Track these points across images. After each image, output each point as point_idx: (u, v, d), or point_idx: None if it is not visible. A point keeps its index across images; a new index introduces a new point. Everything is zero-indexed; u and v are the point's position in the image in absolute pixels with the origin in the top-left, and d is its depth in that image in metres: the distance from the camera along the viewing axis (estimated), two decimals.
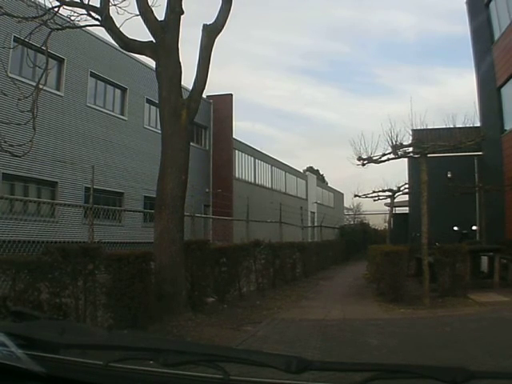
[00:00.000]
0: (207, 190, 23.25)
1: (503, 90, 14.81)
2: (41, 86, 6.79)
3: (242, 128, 60.56)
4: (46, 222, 13.12)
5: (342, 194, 50.16)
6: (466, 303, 8.30)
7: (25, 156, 6.54)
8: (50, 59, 7.25)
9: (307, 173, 46.21)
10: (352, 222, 38.27)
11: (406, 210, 21.46)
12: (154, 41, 7.18)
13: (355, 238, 26.05)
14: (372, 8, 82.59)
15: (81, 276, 5.42)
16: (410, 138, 9.46)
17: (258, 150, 31.38)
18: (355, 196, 18.76)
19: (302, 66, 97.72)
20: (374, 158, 9.89)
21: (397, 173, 22.95)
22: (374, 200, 17.82)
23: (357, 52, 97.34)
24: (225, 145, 25.85)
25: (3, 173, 13.03)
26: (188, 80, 7.90)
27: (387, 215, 18.73)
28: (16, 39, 10.20)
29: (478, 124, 12.67)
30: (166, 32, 7.12)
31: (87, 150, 16.33)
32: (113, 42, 7.76)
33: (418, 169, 9.42)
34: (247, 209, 13.46)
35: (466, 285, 8.97)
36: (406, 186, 16.92)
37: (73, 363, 1.20)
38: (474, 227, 15.85)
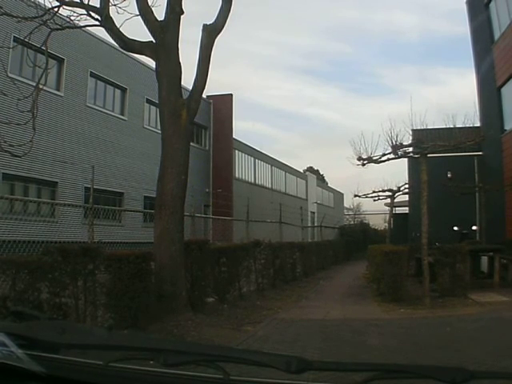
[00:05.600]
0: (207, 190, 23.26)
1: (503, 89, 14.81)
2: (41, 86, 6.79)
3: (243, 128, 60.58)
4: (46, 222, 13.12)
5: (342, 194, 50.15)
6: (466, 303, 8.31)
7: (25, 156, 6.53)
8: (49, 59, 7.24)
9: (307, 173, 46.21)
10: (352, 222, 38.21)
11: (406, 210, 21.45)
12: (153, 41, 7.18)
13: (355, 237, 26.04)
14: (374, 8, 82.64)
15: (81, 276, 5.43)
16: (410, 138, 9.46)
17: (258, 150, 31.40)
18: (355, 196, 18.76)
19: (304, 66, 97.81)
20: (374, 158, 9.89)
21: (397, 173, 22.94)
22: (374, 200, 17.82)
23: (359, 52, 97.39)
24: (225, 145, 25.85)
25: (3, 173, 13.02)
26: (188, 80, 7.90)
27: (387, 215, 18.70)
28: (16, 39, 10.20)
29: (478, 124, 12.66)
30: (165, 32, 7.11)
31: (87, 150, 16.32)
32: (113, 42, 7.76)
33: (418, 169, 9.43)
34: (247, 209, 13.46)
35: (465, 285, 8.97)
36: (406, 186, 16.91)
37: (73, 363, 1.20)
38: (474, 227, 15.85)
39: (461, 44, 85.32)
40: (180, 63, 7.23)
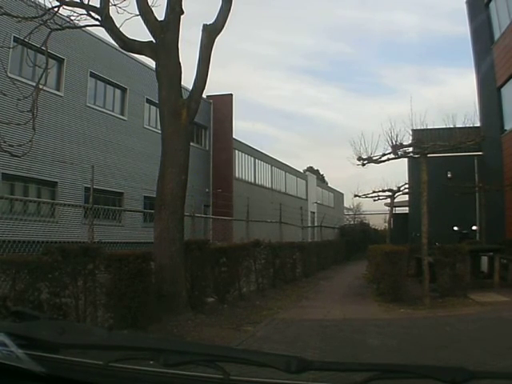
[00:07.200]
0: (207, 190, 23.24)
1: (503, 90, 14.81)
2: (41, 86, 6.79)
3: (243, 128, 60.61)
4: (46, 222, 13.11)
5: (342, 194, 50.14)
6: (465, 303, 8.31)
7: (25, 156, 6.54)
8: (49, 59, 7.25)
9: (307, 173, 46.20)
10: (352, 222, 38.19)
11: (406, 210, 21.44)
12: (153, 41, 7.18)
13: (355, 237, 26.03)
14: (375, 8, 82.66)
15: (81, 276, 5.43)
16: (410, 138, 9.47)
17: (258, 150, 31.41)
18: (355, 196, 18.75)
19: (305, 66, 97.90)
20: (374, 158, 9.89)
21: (397, 173, 22.94)
22: (374, 200, 17.82)
23: (359, 52, 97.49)
24: (225, 145, 25.84)
25: (3, 173, 13.01)
26: (188, 80, 7.91)
27: (387, 215, 18.70)
28: (16, 39, 10.20)
29: (478, 124, 12.66)
30: (165, 32, 7.12)
31: (87, 150, 16.32)
32: (113, 42, 7.76)
33: (418, 169, 9.43)
34: (247, 209, 13.46)
35: (465, 285, 8.98)
36: (406, 186, 16.91)
37: (73, 363, 1.20)
38: (474, 227, 15.85)
39: (461, 44, 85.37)
40: (180, 63, 7.24)
